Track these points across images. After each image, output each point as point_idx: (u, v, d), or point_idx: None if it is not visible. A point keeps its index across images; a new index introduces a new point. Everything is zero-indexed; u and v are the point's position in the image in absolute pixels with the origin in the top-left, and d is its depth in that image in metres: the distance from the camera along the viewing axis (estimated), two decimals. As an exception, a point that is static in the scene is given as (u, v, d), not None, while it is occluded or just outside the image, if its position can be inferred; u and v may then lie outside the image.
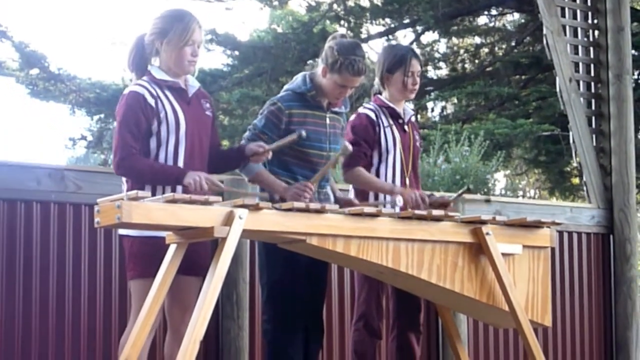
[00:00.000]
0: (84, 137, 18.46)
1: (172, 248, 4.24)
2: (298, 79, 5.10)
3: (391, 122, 5.37)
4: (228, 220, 4.08)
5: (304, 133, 4.73)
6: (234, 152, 4.84)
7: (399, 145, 5.35)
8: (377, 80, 5.47)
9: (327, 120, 5.07)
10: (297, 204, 4.31)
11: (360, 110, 5.41)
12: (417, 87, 5.40)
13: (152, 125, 4.58)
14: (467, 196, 5.73)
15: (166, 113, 4.60)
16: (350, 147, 4.88)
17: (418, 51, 17.28)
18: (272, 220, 4.24)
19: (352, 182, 5.35)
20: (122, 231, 4.60)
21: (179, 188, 4.51)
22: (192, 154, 4.64)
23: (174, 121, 4.60)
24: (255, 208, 4.18)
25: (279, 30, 16.77)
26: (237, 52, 16.76)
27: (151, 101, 4.58)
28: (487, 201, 5.52)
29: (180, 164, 4.60)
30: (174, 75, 4.67)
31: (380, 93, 5.47)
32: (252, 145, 4.76)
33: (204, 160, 4.72)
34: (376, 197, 5.31)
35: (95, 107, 16.91)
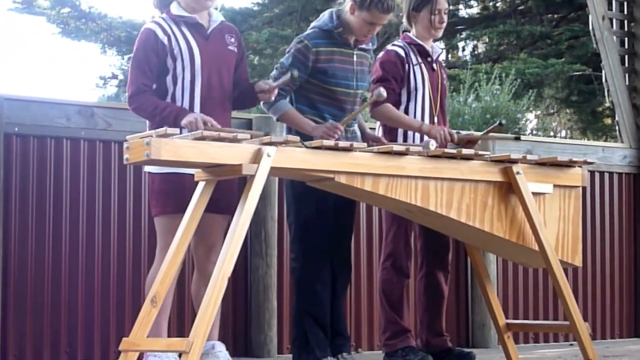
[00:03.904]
0: (114, 76, 18.53)
1: (201, 185, 4.24)
2: (325, 16, 5.06)
3: (420, 60, 5.33)
4: (256, 158, 4.07)
5: (295, 73, 4.66)
6: (249, 88, 4.80)
7: (427, 84, 5.32)
8: (404, 19, 5.41)
9: (355, 58, 5.03)
10: (325, 142, 4.28)
11: (389, 47, 5.36)
12: (444, 25, 5.35)
13: (167, 63, 4.59)
14: (497, 136, 5.66)
15: (180, 49, 4.59)
16: (384, 94, 4.82)
17: (450, -10, 17.23)
18: (301, 158, 4.22)
19: (380, 119, 5.31)
20: (147, 168, 4.62)
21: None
22: (210, 89, 4.61)
23: (189, 56, 4.59)
24: (284, 145, 4.16)
25: (310, -32, 16.62)
26: (267, -9, 16.68)
27: (163, 38, 4.58)
28: (517, 139, 5.43)
29: (197, 99, 4.59)
30: (192, 11, 4.65)
31: (408, 31, 5.42)
32: (260, 82, 4.73)
33: (226, 95, 4.69)
34: (405, 139, 5.28)
35: (126, 46, 16.94)
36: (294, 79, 4.67)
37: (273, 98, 4.76)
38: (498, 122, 5.36)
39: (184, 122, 4.45)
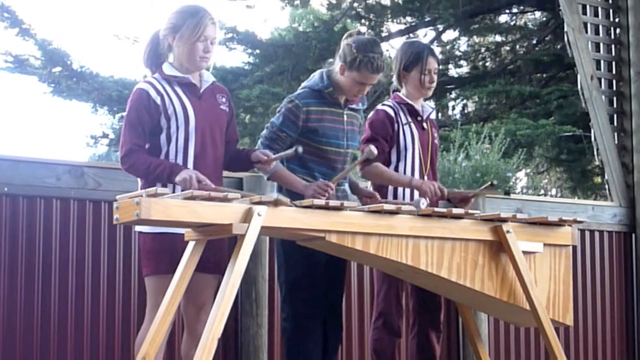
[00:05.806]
0: (105, 135, 18.52)
1: (191, 245, 4.23)
2: (315, 76, 5.09)
3: (410, 119, 5.36)
4: (247, 217, 4.07)
5: (300, 149, 4.67)
6: (242, 155, 4.82)
7: (417, 143, 5.34)
8: (394, 78, 5.46)
9: (345, 117, 5.06)
10: (316, 201, 4.29)
11: (379, 106, 5.40)
12: (434, 84, 5.38)
13: (161, 122, 4.59)
14: (488, 192, 5.68)
15: (174, 109, 4.59)
16: (375, 152, 4.85)
17: (438, 49, 17.38)
18: (291, 218, 4.22)
19: (371, 179, 5.33)
20: (137, 228, 4.60)
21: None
22: (204, 149, 4.62)
23: (183, 116, 4.59)
24: (274, 205, 4.17)
25: (300, 28, 16.76)
26: (258, 51, 16.75)
27: (156, 98, 4.58)
28: (507, 194, 5.46)
29: (191, 158, 4.59)
30: (185, 71, 4.66)
31: (399, 90, 5.46)
32: (258, 152, 4.74)
33: (218, 155, 4.70)
34: (395, 195, 5.30)
35: (117, 105, 16.93)
36: (298, 155, 4.67)
37: (271, 167, 4.77)
38: (490, 182, 5.41)
39: (178, 179, 4.44)
